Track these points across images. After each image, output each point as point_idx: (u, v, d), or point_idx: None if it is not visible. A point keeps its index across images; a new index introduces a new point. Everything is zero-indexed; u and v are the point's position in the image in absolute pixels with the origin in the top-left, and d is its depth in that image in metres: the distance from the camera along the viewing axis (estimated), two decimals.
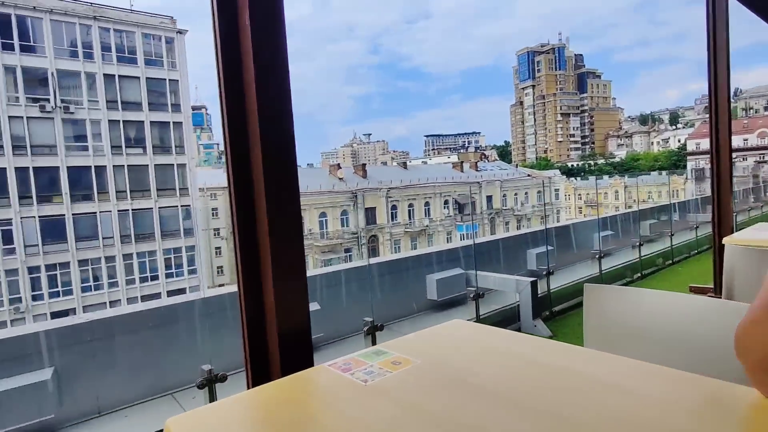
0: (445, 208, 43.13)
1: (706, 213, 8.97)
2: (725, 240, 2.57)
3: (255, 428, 0.95)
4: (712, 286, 4.45)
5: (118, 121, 25.66)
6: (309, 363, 1.47)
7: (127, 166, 26.02)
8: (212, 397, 2.79)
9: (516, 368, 1.03)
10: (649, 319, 1.50)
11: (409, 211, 40.61)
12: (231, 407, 1.07)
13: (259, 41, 1.33)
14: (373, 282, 4.68)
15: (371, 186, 37.78)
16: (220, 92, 1.38)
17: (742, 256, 2.23)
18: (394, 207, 39.50)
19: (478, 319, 4.37)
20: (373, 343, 3.58)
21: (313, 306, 3.84)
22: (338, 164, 41.17)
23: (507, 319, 4.76)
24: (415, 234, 40.37)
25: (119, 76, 25.61)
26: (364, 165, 42.08)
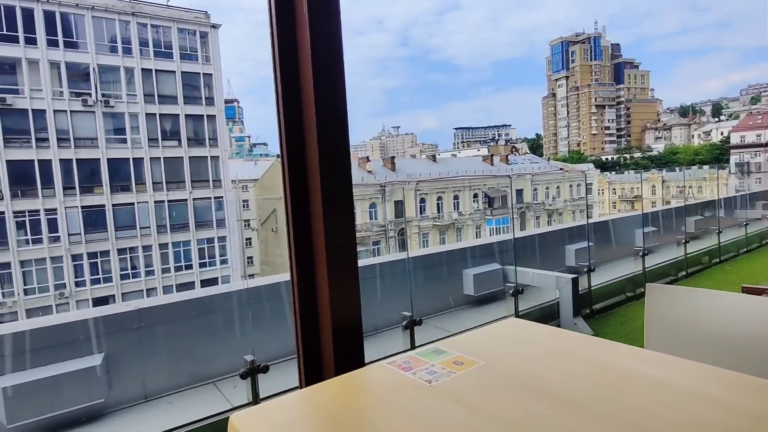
0: (474, 201, 42.67)
1: (755, 210, 8.56)
2: None
3: (320, 428, 0.95)
4: (767, 287, 4.25)
5: (155, 114, 26.42)
6: (361, 359, 1.47)
7: (164, 158, 26.79)
8: (254, 387, 2.85)
9: (581, 371, 1.00)
10: (712, 321, 1.43)
11: (438, 204, 40.38)
12: (291, 405, 1.07)
13: (317, 36, 1.31)
14: (409, 276, 4.65)
15: (400, 179, 37.73)
16: (276, 88, 1.38)
17: None
18: (422, 200, 39.36)
19: (517, 316, 4.30)
20: (412, 337, 3.57)
21: None
22: (367, 157, 41.30)
23: (546, 315, 4.67)
24: (443, 228, 40.15)
25: (156, 70, 26.32)
26: (392, 158, 42.03)
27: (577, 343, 1.21)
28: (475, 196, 42.58)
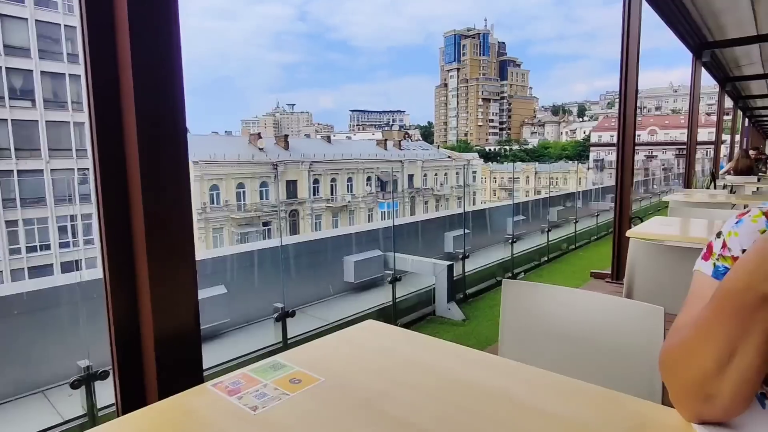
0: (367, 184, 43.27)
1: (605, 201, 9.77)
2: (629, 232, 2.70)
3: None
4: (610, 272, 4.82)
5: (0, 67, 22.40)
6: (198, 374, 1.25)
7: (11, 120, 22.90)
8: (90, 398, 2.42)
9: (430, 386, 0.92)
10: (561, 317, 1.47)
11: (332, 186, 40.22)
12: None
13: None
14: (288, 263, 4.45)
15: (293, 158, 36.76)
16: (83, 41, 1.09)
17: (646, 251, 2.34)
18: (316, 181, 38.87)
19: (394, 302, 4.34)
20: (284, 329, 3.39)
21: (220, 290, 3.56)
22: (258, 133, 39.42)
23: (423, 302, 4.79)
24: (336, 210, 40.16)
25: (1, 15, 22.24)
26: (286, 136, 40.73)
27: (431, 351, 1.14)
28: (369, 179, 43.18)
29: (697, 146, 7.78)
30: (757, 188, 6.36)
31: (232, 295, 3.57)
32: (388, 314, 4.38)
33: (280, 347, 3.42)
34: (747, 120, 16.01)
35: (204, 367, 1.28)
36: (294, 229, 36.73)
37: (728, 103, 11.65)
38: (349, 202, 40.84)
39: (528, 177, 60.53)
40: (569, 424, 0.76)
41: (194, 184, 28.49)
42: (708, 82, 9.08)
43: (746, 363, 0.59)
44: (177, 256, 1.18)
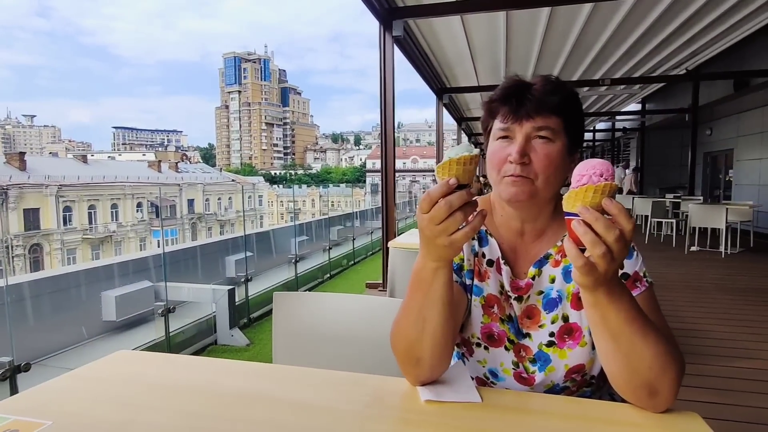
0: (138, 211, 38.28)
1: (379, 221, 10.87)
2: (390, 243, 3.08)
3: None
4: (381, 282, 5.38)
5: None
6: None
7: None
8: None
9: (185, 404, 0.88)
10: (331, 322, 1.58)
11: (90, 214, 34.21)
12: None
13: None
14: (22, 307, 3.58)
15: (33, 181, 30.01)
16: None
17: (402, 258, 2.70)
18: (68, 209, 32.52)
19: (168, 337, 3.92)
20: (13, 389, 2.68)
21: None
22: None
23: (203, 331, 4.47)
24: (97, 242, 34.30)
25: None
26: (22, 154, 33.03)
27: (189, 370, 1.08)
28: (139, 205, 38.29)
29: None
30: None
31: None
32: (162, 351, 3.91)
33: None
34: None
35: None
36: (37, 268, 29.76)
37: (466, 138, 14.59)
38: (114, 231, 35.33)
39: (313, 200, 62.97)
40: (314, 410, 0.82)
41: None
42: (450, 120, 11.14)
43: (434, 327, 0.75)
44: None
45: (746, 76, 8.28)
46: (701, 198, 8.90)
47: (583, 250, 0.62)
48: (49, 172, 32.08)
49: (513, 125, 0.83)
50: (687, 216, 6.49)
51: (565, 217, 0.64)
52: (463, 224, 0.65)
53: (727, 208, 6.06)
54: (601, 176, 0.61)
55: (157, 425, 0.80)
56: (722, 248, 6.19)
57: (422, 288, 0.74)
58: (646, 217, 7.89)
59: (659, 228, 8.21)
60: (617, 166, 11.84)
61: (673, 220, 7.46)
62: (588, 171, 0.62)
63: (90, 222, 34.26)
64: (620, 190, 11.17)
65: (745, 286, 4.53)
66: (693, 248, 6.63)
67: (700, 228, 6.62)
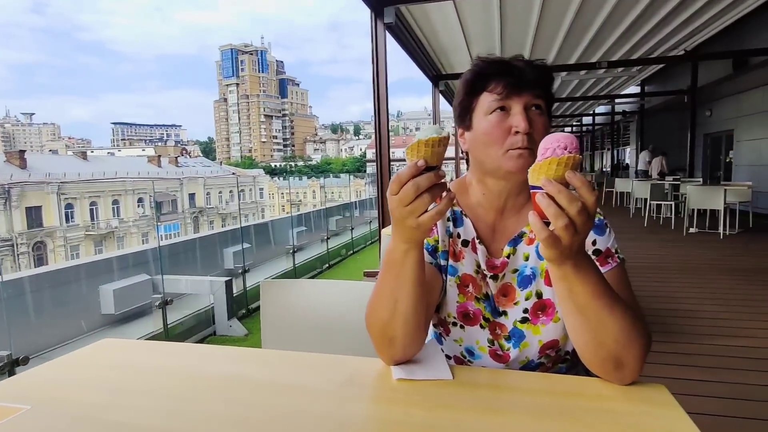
0: (140, 206, 38.34)
1: (374, 210, 10.90)
2: (384, 231, 3.09)
3: None
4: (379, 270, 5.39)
5: None
6: None
7: None
8: None
9: (168, 389, 0.89)
10: (317, 308, 1.60)
11: (92, 210, 34.29)
12: None
13: None
14: (21, 301, 3.61)
15: (34, 179, 30.05)
16: None
17: None
18: (69, 206, 32.58)
19: (166, 328, 3.95)
20: None
21: None
22: None
23: (201, 323, 4.50)
24: (100, 237, 34.41)
25: None
26: (22, 152, 33.05)
27: (174, 356, 1.09)
28: (140, 200, 38.33)
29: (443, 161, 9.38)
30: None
31: None
32: None
33: None
34: None
35: None
36: (41, 264, 29.92)
37: None
38: (116, 227, 35.43)
39: (314, 191, 62.91)
40: (294, 391, 0.83)
41: None
42: (447, 107, 11.08)
43: (405, 307, 0.76)
44: None
45: (745, 55, 8.20)
46: (701, 180, 8.86)
47: (547, 224, 0.62)
48: (50, 169, 32.12)
49: (512, 96, 0.82)
50: (686, 198, 6.48)
51: (531, 191, 0.64)
52: (432, 206, 0.66)
53: (725, 189, 6.04)
54: (565, 149, 0.61)
55: (138, 408, 0.81)
56: (721, 229, 6.18)
57: (393, 269, 0.75)
58: (645, 200, 7.87)
59: (658, 210, 8.19)
60: (646, 150, 11.36)
61: (672, 203, 7.44)
62: (552, 144, 0.62)
63: (92, 218, 34.35)
64: (649, 174, 10.72)
65: (742, 266, 4.53)
66: (692, 230, 6.63)
67: (699, 210, 6.60)
